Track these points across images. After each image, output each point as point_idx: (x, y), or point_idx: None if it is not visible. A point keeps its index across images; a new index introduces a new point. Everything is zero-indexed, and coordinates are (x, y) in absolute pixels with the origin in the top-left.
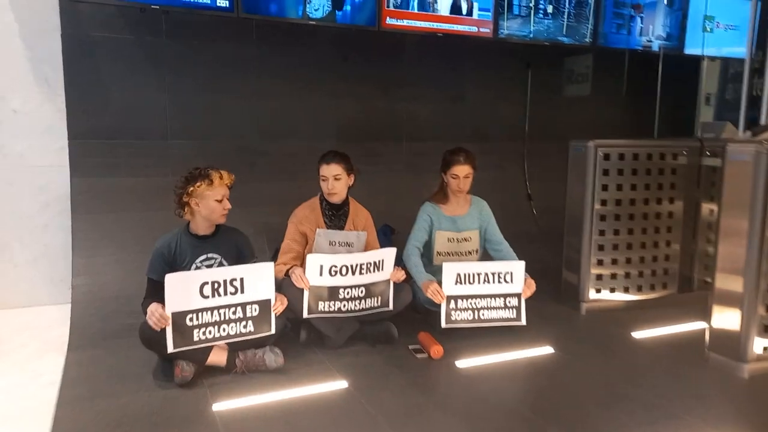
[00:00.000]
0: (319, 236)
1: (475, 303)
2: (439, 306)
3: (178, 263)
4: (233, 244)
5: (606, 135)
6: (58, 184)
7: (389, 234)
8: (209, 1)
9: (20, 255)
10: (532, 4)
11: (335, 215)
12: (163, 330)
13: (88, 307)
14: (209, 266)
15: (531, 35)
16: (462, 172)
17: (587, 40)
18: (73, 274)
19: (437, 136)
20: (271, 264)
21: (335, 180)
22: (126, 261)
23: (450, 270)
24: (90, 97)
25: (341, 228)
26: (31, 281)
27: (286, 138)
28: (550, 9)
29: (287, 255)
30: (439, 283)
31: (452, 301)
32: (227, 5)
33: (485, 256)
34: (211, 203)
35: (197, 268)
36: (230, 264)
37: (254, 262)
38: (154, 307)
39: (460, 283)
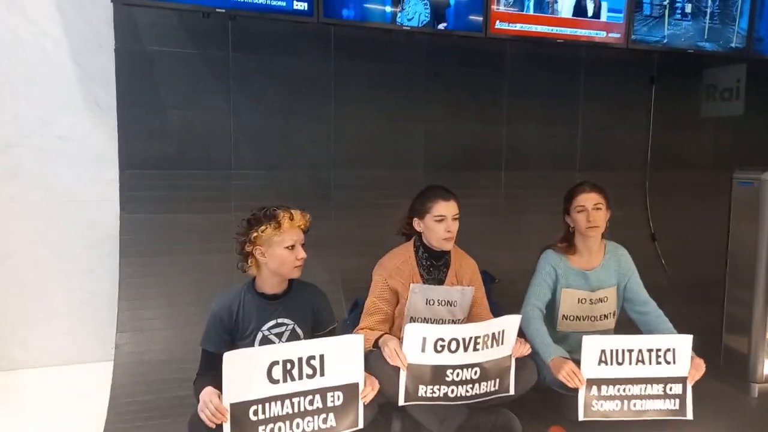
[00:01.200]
0: (414, 293)
1: (625, 390)
2: (572, 390)
3: (241, 331)
4: (309, 307)
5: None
6: (106, 222)
7: (489, 283)
8: (284, 4)
9: (61, 304)
10: (666, 3)
11: (434, 266)
12: (219, 427)
13: (131, 372)
14: (279, 335)
15: (664, 40)
16: (590, 201)
17: (736, 45)
18: (118, 329)
19: (542, 165)
20: (361, 337)
21: (454, 220)
22: (178, 314)
23: (592, 346)
24: (145, 121)
25: (441, 282)
26: (72, 335)
27: (368, 167)
28: (688, 8)
29: (373, 317)
30: (575, 361)
31: (594, 387)
32: (306, 8)
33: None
34: (280, 252)
35: (264, 338)
36: (304, 332)
37: (331, 332)
38: (208, 396)
39: (605, 363)
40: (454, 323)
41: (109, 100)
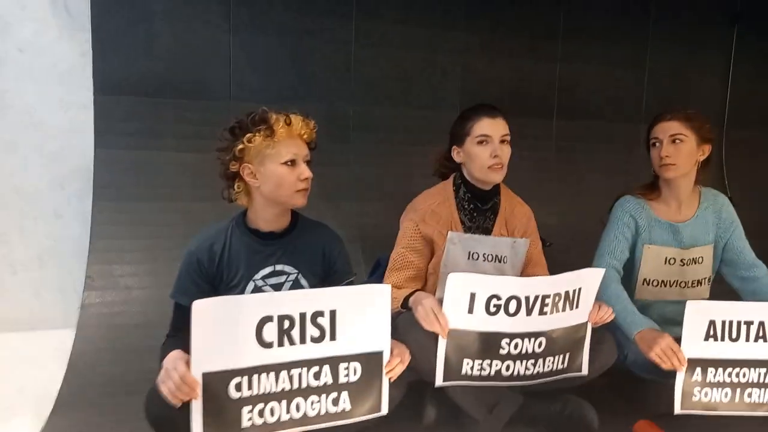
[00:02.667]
0: (453, 244)
1: (739, 375)
2: (665, 374)
3: (225, 279)
4: (318, 251)
5: None
6: (77, 155)
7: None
8: None
9: (22, 253)
10: None
11: (478, 211)
12: (186, 405)
13: (96, 337)
14: (277, 287)
15: None
16: (666, 131)
17: None
18: (85, 286)
19: (601, 114)
20: (388, 288)
21: (502, 143)
22: (160, 272)
23: (698, 315)
24: (126, 34)
25: (488, 231)
26: (35, 292)
27: (394, 104)
28: None
29: (401, 273)
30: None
31: (698, 370)
32: None
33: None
34: (275, 170)
35: (256, 289)
36: (311, 285)
37: (351, 283)
38: (172, 362)
39: (714, 338)
40: None
41: (82, 4)
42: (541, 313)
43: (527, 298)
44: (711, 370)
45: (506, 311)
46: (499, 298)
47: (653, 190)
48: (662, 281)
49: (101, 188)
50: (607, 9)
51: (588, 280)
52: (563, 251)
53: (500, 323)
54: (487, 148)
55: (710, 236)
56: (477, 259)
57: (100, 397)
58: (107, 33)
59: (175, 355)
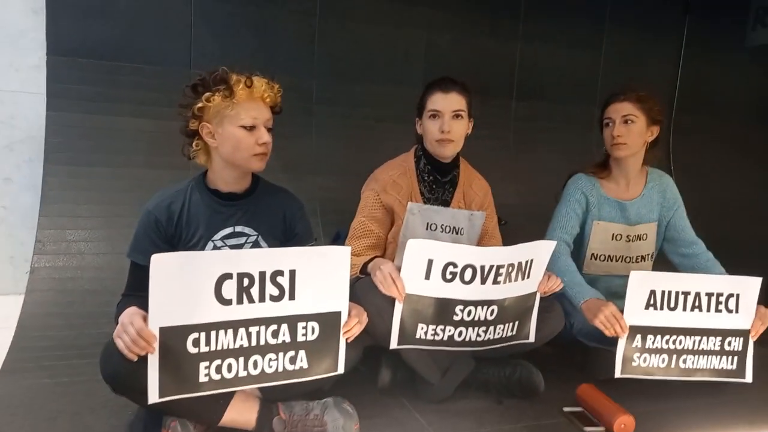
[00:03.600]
0: (413, 214)
1: (675, 342)
2: (608, 342)
3: (184, 239)
4: (279, 215)
5: None
6: (27, 119)
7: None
8: None
9: None
10: None
11: (438, 183)
12: (142, 360)
13: (47, 301)
14: (237, 248)
15: None
16: (618, 112)
17: None
18: (35, 250)
19: (558, 94)
20: (348, 249)
21: (454, 118)
22: (114, 238)
23: (640, 284)
24: None
25: (446, 203)
26: None
27: (356, 79)
28: None
29: (361, 241)
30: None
31: (638, 337)
32: None
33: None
34: (233, 132)
35: (216, 249)
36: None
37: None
38: (128, 317)
39: (654, 307)
40: None
41: None
42: (495, 282)
43: (482, 267)
44: (650, 337)
45: (462, 279)
46: (455, 266)
47: (604, 169)
48: (609, 256)
49: (53, 152)
50: None
51: (540, 251)
52: (519, 228)
53: (455, 290)
54: (436, 122)
55: (655, 214)
56: (435, 229)
57: (50, 360)
58: None
59: (131, 311)
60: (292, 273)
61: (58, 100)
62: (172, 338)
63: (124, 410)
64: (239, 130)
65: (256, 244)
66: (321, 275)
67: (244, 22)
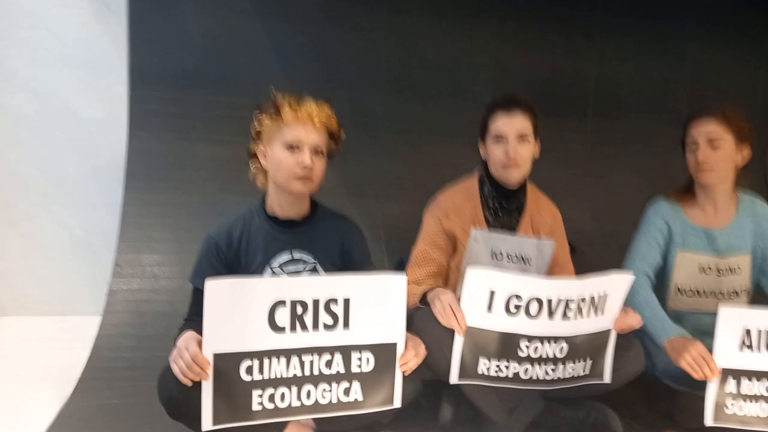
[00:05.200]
0: (476, 241)
1: (765, 387)
2: (697, 385)
3: (243, 265)
4: (336, 241)
5: None
6: (112, 146)
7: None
8: None
9: (56, 241)
10: None
11: (503, 209)
12: (197, 386)
13: (122, 323)
14: (295, 275)
15: None
16: (703, 134)
17: None
18: (114, 274)
19: (639, 110)
20: (403, 277)
21: (520, 142)
22: (187, 262)
23: (732, 322)
24: (162, 26)
25: (513, 230)
26: (66, 279)
27: (423, 96)
28: None
29: (422, 269)
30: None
31: (731, 381)
32: None
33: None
34: (277, 153)
35: (274, 276)
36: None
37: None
38: (184, 342)
39: (750, 348)
40: None
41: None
42: (564, 317)
43: (550, 301)
44: (746, 381)
45: (527, 312)
46: (519, 298)
47: (688, 194)
48: (697, 290)
49: (133, 179)
50: (643, 4)
51: (615, 285)
52: (595, 258)
53: (520, 324)
54: (501, 147)
55: (748, 244)
56: (501, 258)
57: (121, 381)
58: (142, 25)
59: (188, 335)
60: (347, 301)
61: (138, 128)
62: (226, 365)
63: None
64: (283, 150)
65: (313, 271)
66: (376, 304)
67: (309, 44)
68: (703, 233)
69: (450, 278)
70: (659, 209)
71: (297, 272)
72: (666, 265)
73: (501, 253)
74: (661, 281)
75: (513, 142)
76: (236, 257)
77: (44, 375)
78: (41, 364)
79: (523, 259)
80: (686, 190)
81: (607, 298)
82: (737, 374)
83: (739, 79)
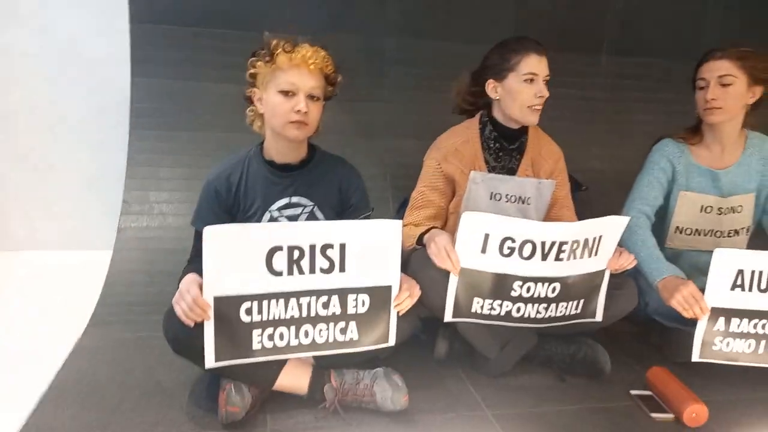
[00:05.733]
0: (475, 183)
1: (764, 326)
2: (688, 322)
3: (243, 209)
4: (335, 185)
5: None
6: (117, 84)
7: (574, 191)
8: None
9: (68, 177)
10: None
11: (504, 150)
12: (200, 325)
13: (132, 259)
14: (293, 219)
15: None
16: (714, 71)
17: None
18: (122, 211)
19: (661, 50)
20: (399, 223)
21: (546, 83)
22: (194, 200)
23: (725, 263)
24: None
25: (513, 172)
26: (81, 214)
27: (435, 36)
28: None
29: (421, 212)
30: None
31: (721, 320)
32: None
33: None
34: (272, 97)
35: (272, 220)
36: (327, 218)
37: (368, 218)
38: (186, 284)
39: (741, 288)
40: None
41: None
42: (557, 259)
43: (543, 243)
44: (735, 320)
45: (520, 254)
46: (513, 241)
47: (695, 134)
48: (696, 230)
49: (139, 117)
50: None
51: (610, 228)
52: (604, 194)
53: (513, 266)
54: (532, 87)
55: (753, 184)
56: (499, 199)
57: (133, 315)
58: None
59: (190, 278)
60: (342, 246)
61: (143, 66)
62: (226, 307)
63: (193, 367)
64: (277, 95)
65: (311, 215)
66: (371, 249)
67: None
68: (707, 173)
69: (449, 220)
70: (664, 149)
71: (295, 216)
72: (667, 204)
73: (500, 195)
74: (661, 220)
75: (541, 83)
76: (235, 201)
77: (62, 307)
78: (56, 298)
79: (521, 199)
80: (694, 130)
81: (601, 240)
82: (727, 313)
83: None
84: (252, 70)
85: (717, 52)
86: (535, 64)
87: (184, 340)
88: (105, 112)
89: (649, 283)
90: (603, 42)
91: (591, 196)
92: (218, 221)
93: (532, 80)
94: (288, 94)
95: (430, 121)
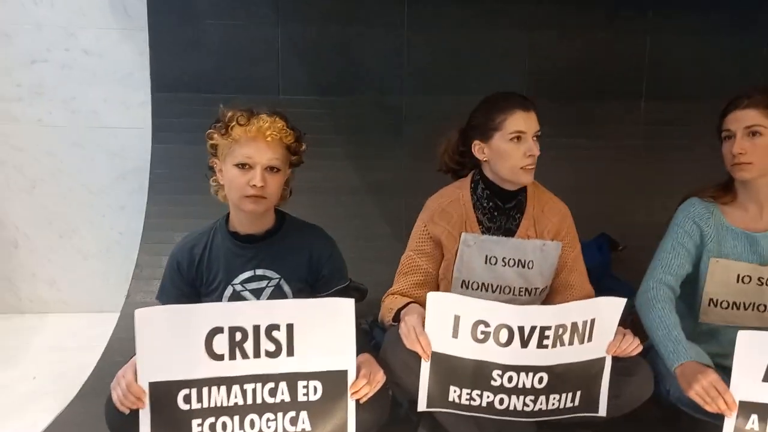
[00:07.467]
0: (468, 245)
1: None
2: (715, 416)
3: (206, 283)
4: (304, 256)
5: None
6: (137, 152)
7: (607, 251)
8: None
9: (91, 243)
10: None
11: (500, 210)
12: (134, 413)
13: None
14: (257, 292)
15: None
16: (740, 122)
17: None
18: (133, 276)
19: (700, 93)
20: (350, 302)
21: (536, 141)
22: None
23: (753, 347)
24: (179, 33)
25: (511, 232)
26: (102, 278)
27: (450, 91)
28: None
29: (408, 278)
30: (724, 372)
31: (753, 417)
32: None
33: None
34: (228, 170)
35: (235, 294)
36: (296, 291)
37: (342, 294)
38: (123, 369)
39: None
40: (529, 295)
41: (140, 6)
42: (541, 345)
43: (521, 329)
44: None
45: (496, 340)
46: (487, 325)
47: (727, 192)
48: (734, 303)
49: (157, 183)
50: None
51: (605, 310)
52: (647, 251)
53: (490, 353)
54: (521, 146)
55: None
56: (495, 263)
57: None
58: (162, 32)
59: (129, 363)
60: (290, 327)
61: (161, 133)
62: (163, 393)
63: None
64: (233, 168)
65: (278, 288)
66: (322, 330)
67: (329, 43)
68: (743, 237)
69: (440, 287)
70: (689, 210)
71: (260, 289)
72: (698, 273)
73: (496, 258)
74: (693, 290)
75: (532, 141)
76: (198, 274)
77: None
78: (71, 362)
79: (522, 263)
80: (725, 187)
81: (594, 324)
82: (761, 409)
83: None
84: (210, 141)
85: (743, 99)
86: (521, 122)
87: (121, 428)
88: (126, 179)
89: (667, 366)
90: (641, 87)
91: (631, 256)
92: (181, 295)
93: (519, 138)
94: (245, 167)
95: (447, 179)
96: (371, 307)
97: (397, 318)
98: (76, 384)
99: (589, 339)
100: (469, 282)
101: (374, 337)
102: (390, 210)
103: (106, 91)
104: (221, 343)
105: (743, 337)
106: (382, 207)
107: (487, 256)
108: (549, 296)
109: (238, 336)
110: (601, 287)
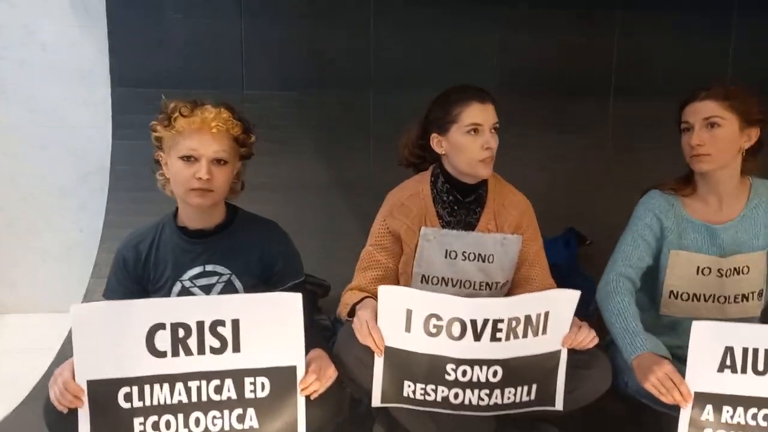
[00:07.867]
0: (427, 240)
1: (765, 417)
2: (673, 407)
3: (152, 278)
4: (256, 251)
5: None
6: (98, 150)
7: (574, 246)
8: None
9: (51, 243)
10: None
11: (460, 203)
12: (73, 412)
13: None
14: (207, 288)
15: None
16: (698, 113)
17: None
18: (92, 274)
19: (670, 92)
20: (297, 296)
21: (493, 133)
22: None
23: (708, 338)
24: (140, 28)
25: (471, 226)
26: (64, 279)
27: (419, 89)
28: None
29: (367, 273)
30: (679, 360)
31: (708, 408)
32: None
33: None
34: (173, 163)
35: (183, 290)
36: (248, 287)
37: (296, 290)
38: (61, 367)
39: (732, 369)
40: (489, 289)
41: (99, 3)
42: (494, 339)
43: (474, 322)
44: (727, 408)
45: (449, 334)
46: (439, 319)
47: (687, 185)
48: (694, 294)
49: (118, 180)
50: None
51: (559, 302)
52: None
53: (444, 346)
54: (477, 139)
55: (760, 240)
56: (455, 257)
57: None
58: (122, 28)
59: (67, 361)
60: (235, 323)
61: (121, 130)
62: (102, 392)
63: None
64: (178, 161)
65: (229, 284)
66: (269, 325)
67: (295, 40)
68: (703, 229)
69: (400, 282)
70: (650, 203)
71: (210, 285)
72: (658, 265)
73: (455, 252)
74: (653, 283)
75: (488, 134)
76: (144, 271)
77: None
78: (26, 365)
79: (482, 257)
80: (686, 180)
81: (548, 317)
82: (715, 399)
83: None
84: (155, 134)
85: (701, 92)
86: (477, 114)
87: (59, 427)
88: (87, 178)
89: (624, 358)
90: (609, 85)
91: (599, 252)
92: (128, 292)
93: (476, 131)
94: (190, 160)
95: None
96: (336, 304)
97: (352, 313)
98: (26, 387)
99: (544, 332)
100: (429, 277)
101: (336, 333)
102: (357, 206)
103: (66, 89)
104: (163, 340)
105: (698, 328)
106: (349, 203)
107: (447, 251)
108: (510, 290)
109: (181, 332)
110: (568, 284)
